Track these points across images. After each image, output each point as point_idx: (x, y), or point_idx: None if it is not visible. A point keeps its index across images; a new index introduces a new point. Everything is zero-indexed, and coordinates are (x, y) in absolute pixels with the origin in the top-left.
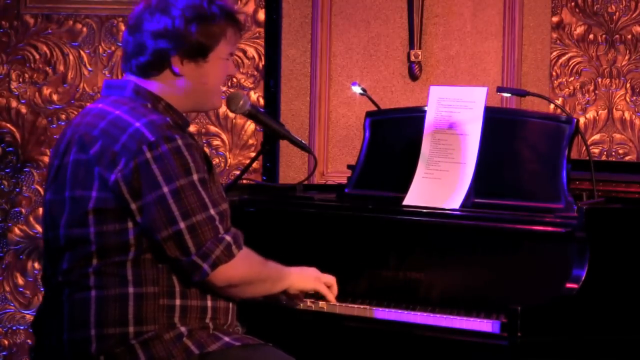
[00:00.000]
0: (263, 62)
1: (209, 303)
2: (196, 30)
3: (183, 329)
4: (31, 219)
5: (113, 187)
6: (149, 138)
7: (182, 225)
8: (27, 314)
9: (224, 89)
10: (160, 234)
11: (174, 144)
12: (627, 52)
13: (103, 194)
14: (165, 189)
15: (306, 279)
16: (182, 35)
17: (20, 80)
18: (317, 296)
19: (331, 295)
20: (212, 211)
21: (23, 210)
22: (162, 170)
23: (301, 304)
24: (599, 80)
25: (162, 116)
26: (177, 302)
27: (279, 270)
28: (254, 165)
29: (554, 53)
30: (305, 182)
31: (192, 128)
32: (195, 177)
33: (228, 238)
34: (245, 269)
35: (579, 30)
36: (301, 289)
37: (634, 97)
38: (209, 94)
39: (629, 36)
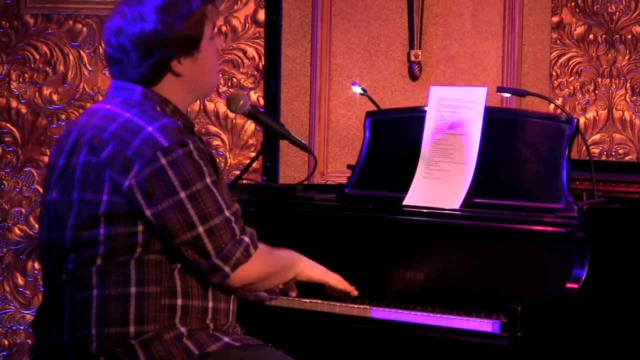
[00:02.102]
0: (263, 62)
1: (210, 304)
2: (181, 26)
3: (183, 329)
4: (31, 219)
5: (126, 193)
6: (163, 144)
7: (200, 229)
8: (27, 314)
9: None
10: (179, 239)
11: (187, 148)
12: (627, 52)
13: (114, 198)
14: (183, 194)
15: (316, 268)
16: (170, 37)
17: (20, 80)
18: (324, 297)
19: (345, 284)
20: (227, 213)
21: (23, 210)
22: (178, 176)
23: (301, 304)
24: (599, 80)
25: (173, 120)
26: (179, 302)
27: (289, 258)
28: (254, 165)
29: (554, 53)
30: (305, 182)
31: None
32: (208, 180)
33: (246, 239)
34: (260, 266)
35: (579, 30)
36: (309, 277)
37: (634, 97)
38: (209, 80)
39: (629, 36)
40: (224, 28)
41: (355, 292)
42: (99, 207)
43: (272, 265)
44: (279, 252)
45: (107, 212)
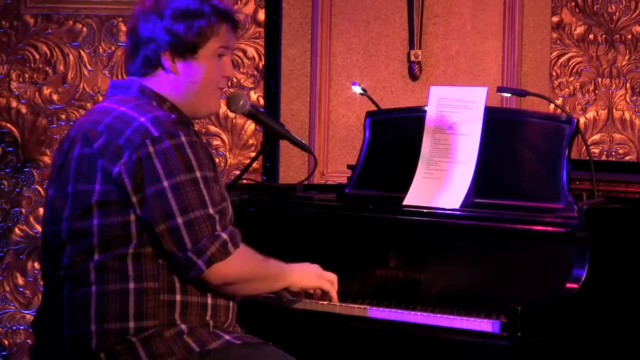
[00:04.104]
0: (263, 62)
1: (209, 300)
2: (184, 28)
3: (183, 326)
4: (31, 219)
5: (116, 179)
6: (153, 133)
7: (179, 220)
8: (27, 314)
9: (224, 89)
10: (158, 227)
11: (177, 140)
12: (627, 52)
13: (106, 187)
14: (165, 183)
15: (308, 277)
16: (169, 32)
17: (20, 80)
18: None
19: (334, 292)
20: (211, 209)
21: (23, 210)
22: (163, 165)
23: (301, 304)
24: (599, 80)
25: (167, 112)
26: (178, 297)
27: (279, 268)
28: (254, 165)
29: (554, 53)
30: (305, 182)
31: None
32: (197, 174)
33: (224, 236)
34: (241, 267)
35: (579, 30)
36: (303, 287)
37: (634, 97)
38: (202, 93)
39: (629, 36)
40: None
41: (335, 301)
42: (91, 197)
43: (256, 269)
44: (267, 259)
45: (100, 200)
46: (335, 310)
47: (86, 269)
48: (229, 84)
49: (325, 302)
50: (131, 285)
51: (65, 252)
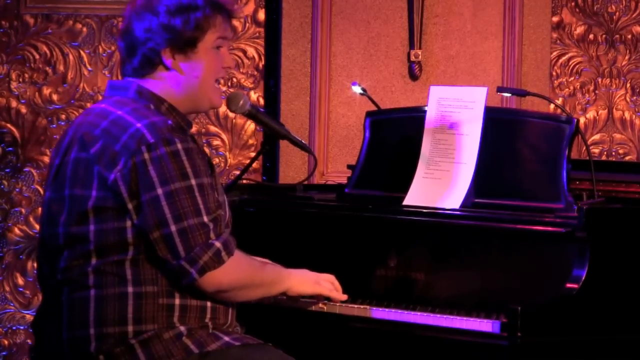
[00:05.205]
0: (263, 62)
1: (209, 303)
2: (181, 23)
3: (182, 328)
4: (31, 219)
5: (112, 186)
6: (149, 139)
7: (172, 228)
8: (27, 314)
9: (224, 89)
10: (152, 235)
11: (173, 147)
12: (627, 52)
13: (102, 193)
14: (160, 191)
15: (305, 283)
16: (168, 29)
17: (20, 80)
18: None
19: (336, 294)
20: (205, 218)
21: (23, 210)
22: (158, 172)
23: (301, 304)
24: (599, 80)
25: (164, 118)
26: (177, 301)
27: (276, 274)
28: (254, 165)
29: (554, 53)
30: (305, 182)
31: (192, 128)
32: (192, 181)
33: (218, 244)
34: (235, 275)
35: (579, 30)
36: (300, 293)
37: (634, 97)
38: (204, 88)
39: (629, 36)
40: None
41: (342, 299)
42: (87, 202)
43: (251, 277)
44: (263, 264)
45: (96, 206)
46: (335, 311)
47: (84, 272)
48: (229, 83)
49: (326, 302)
50: (130, 289)
51: (63, 255)
